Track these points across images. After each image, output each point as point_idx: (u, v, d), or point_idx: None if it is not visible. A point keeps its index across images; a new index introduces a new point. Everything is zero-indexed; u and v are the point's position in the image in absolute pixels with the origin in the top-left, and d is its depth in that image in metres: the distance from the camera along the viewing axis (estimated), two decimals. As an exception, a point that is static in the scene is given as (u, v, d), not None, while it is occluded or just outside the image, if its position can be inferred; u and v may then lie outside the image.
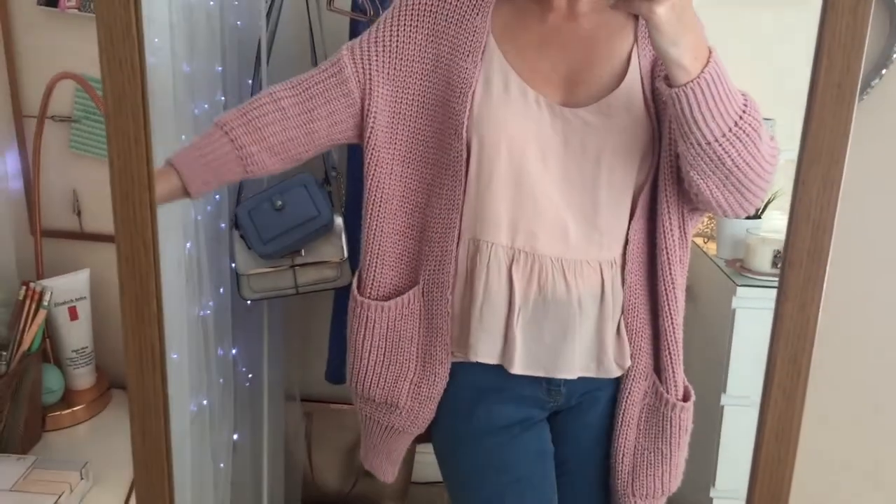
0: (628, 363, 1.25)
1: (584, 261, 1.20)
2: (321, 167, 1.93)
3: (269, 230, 1.80)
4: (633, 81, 1.17)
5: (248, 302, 1.95)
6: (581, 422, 1.30)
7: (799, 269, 0.78)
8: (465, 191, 1.21)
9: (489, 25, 1.19)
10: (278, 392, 2.22)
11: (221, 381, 1.90)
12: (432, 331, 1.29)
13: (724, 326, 2.00)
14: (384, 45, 1.22)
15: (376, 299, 1.31)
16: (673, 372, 1.25)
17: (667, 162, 1.17)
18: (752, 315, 1.96)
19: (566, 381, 1.26)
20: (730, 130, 1.03)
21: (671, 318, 1.23)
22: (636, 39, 1.18)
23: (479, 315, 1.22)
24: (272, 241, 1.79)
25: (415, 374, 1.32)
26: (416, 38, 1.21)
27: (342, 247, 1.86)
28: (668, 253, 1.20)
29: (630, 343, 1.25)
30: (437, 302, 1.27)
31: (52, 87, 1.49)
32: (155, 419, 0.85)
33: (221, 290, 1.90)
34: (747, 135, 1.04)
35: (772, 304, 1.95)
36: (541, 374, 1.24)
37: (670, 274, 1.21)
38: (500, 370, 1.25)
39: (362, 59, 1.23)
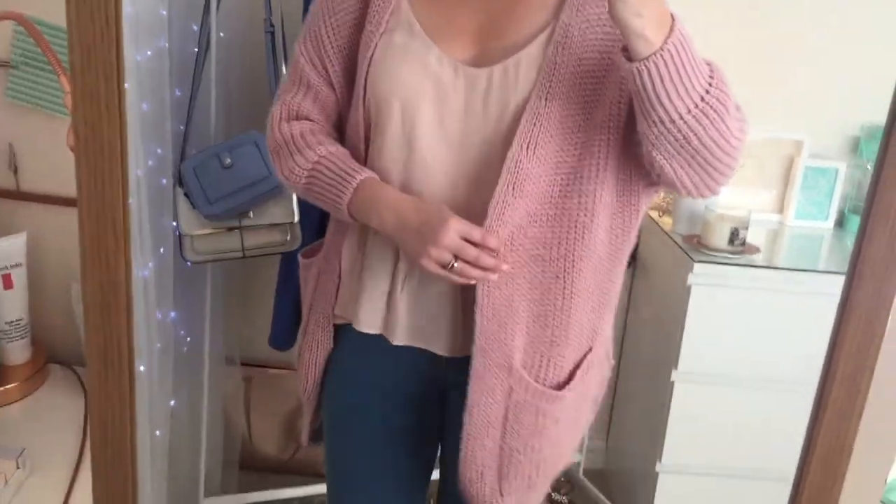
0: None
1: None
2: (272, 124, 1.83)
3: (216, 189, 1.70)
4: (555, 40, 1.06)
5: (189, 264, 1.85)
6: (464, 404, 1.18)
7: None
8: (366, 154, 1.17)
9: None
10: (218, 356, 2.13)
11: (159, 346, 1.80)
12: (318, 294, 1.26)
13: (678, 302, 1.99)
14: (328, 38, 1.19)
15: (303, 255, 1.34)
16: (554, 357, 1.15)
17: (598, 137, 1.07)
18: (708, 292, 1.95)
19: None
20: (696, 106, 0.93)
21: (570, 300, 1.12)
22: None
23: (363, 279, 1.18)
24: (219, 201, 1.70)
25: (302, 337, 1.31)
26: (346, 17, 1.17)
27: (293, 209, 1.78)
28: (588, 230, 1.09)
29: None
30: (329, 264, 1.25)
31: (-10, 28, 1.34)
32: (120, 373, 0.76)
33: (162, 250, 1.79)
34: (714, 110, 0.94)
35: (728, 282, 1.95)
36: (421, 345, 1.18)
37: (586, 253, 1.10)
38: (383, 339, 1.20)
39: (319, 61, 1.21)
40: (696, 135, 0.95)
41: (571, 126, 1.07)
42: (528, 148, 1.06)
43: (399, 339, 1.18)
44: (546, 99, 1.05)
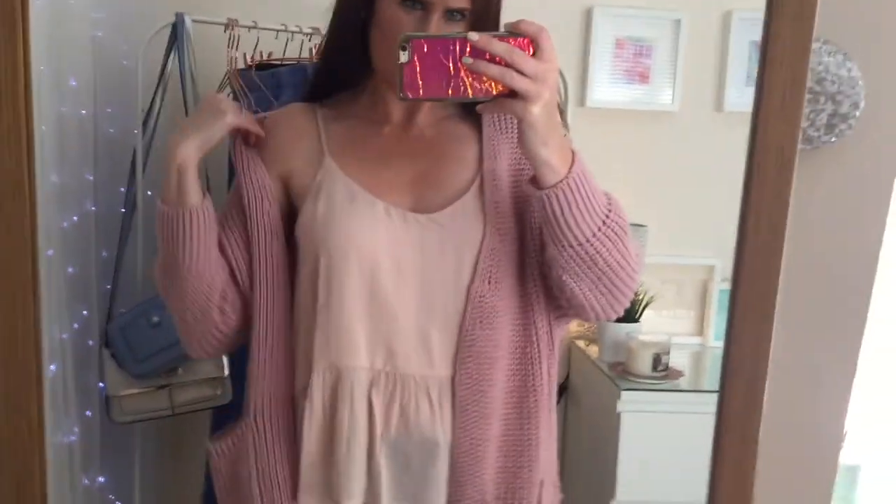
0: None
1: (449, 376, 1.13)
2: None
3: (143, 348, 1.70)
4: (487, 184, 1.15)
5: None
6: None
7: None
8: (314, 318, 1.14)
9: (324, 146, 1.18)
10: (150, 520, 2.06)
11: (87, 513, 1.75)
12: (265, 482, 1.17)
13: (610, 429, 2.02)
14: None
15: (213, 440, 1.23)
16: (519, 489, 1.18)
17: (535, 268, 1.15)
18: (637, 418, 1.99)
19: None
20: (599, 229, 1.03)
21: (537, 431, 1.17)
22: (482, 147, 1.18)
23: (347, 450, 1.13)
24: (147, 359, 1.69)
25: None
26: (259, 176, 1.19)
27: (223, 363, 1.78)
28: (541, 361, 1.16)
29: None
30: (270, 445, 1.18)
31: None
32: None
33: (88, 412, 1.77)
34: (615, 233, 1.05)
35: (656, 407, 2.00)
36: None
37: (542, 384, 1.17)
38: None
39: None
40: (601, 256, 1.04)
41: (519, 259, 1.15)
42: (489, 282, 1.13)
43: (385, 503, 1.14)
44: (499, 235, 1.13)
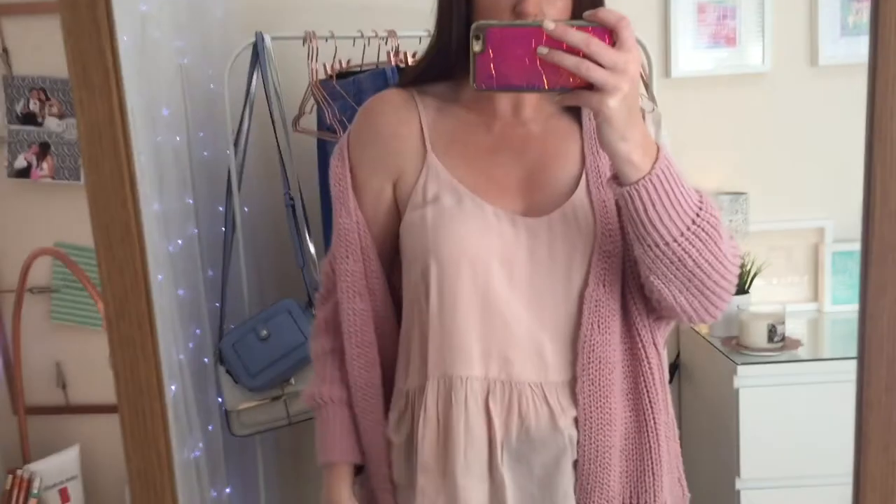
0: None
1: (566, 381, 1.10)
2: (304, 289, 1.89)
3: (255, 362, 1.74)
4: (592, 182, 1.11)
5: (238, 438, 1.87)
6: None
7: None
8: (427, 325, 1.12)
9: (427, 141, 1.14)
10: (277, 527, 2.12)
11: (218, 524, 1.81)
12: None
13: (728, 406, 1.96)
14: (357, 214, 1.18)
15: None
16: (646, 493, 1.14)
17: (630, 269, 1.10)
18: (757, 392, 1.92)
19: None
20: (688, 229, 0.98)
21: (656, 434, 1.13)
22: (583, 142, 1.14)
23: (465, 461, 1.09)
24: (260, 373, 1.74)
25: None
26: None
27: (333, 370, 1.80)
28: (649, 361, 1.12)
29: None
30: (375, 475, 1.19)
31: (29, 265, 1.44)
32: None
33: (210, 427, 1.83)
34: (706, 232, 0.99)
35: (775, 380, 1.93)
36: None
37: (655, 385, 1.13)
38: None
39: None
40: (690, 257, 0.98)
41: (623, 256, 1.10)
42: (604, 285, 1.09)
43: None
44: (609, 236, 1.09)
